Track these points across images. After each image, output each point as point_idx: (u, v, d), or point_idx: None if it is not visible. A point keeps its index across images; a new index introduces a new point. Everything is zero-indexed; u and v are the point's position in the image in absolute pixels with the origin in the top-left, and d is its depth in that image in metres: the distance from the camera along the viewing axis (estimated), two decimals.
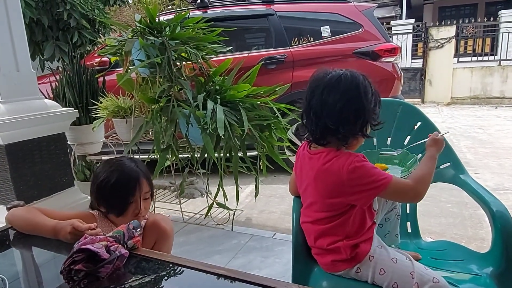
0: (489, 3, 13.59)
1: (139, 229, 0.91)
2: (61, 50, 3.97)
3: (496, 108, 7.48)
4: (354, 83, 0.99)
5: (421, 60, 8.45)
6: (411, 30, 9.01)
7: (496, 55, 8.76)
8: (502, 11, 9.38)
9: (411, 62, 8.81)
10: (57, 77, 2.63)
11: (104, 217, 1.18)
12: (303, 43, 3.51)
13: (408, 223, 1.37)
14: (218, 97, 2.03)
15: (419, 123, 1.43)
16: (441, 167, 1.33)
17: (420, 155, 1.37)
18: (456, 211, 2.79)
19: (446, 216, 2.72)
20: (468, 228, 2.56)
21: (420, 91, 8.43)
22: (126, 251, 0.81)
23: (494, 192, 3.30)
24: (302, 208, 1.10)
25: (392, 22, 9.93)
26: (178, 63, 2.06)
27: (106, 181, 1.13)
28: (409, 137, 1.42)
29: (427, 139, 1.14)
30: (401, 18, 11.80)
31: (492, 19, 8.96)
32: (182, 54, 2.11)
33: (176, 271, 0.83)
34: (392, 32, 9.03)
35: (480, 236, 2.45)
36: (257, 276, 0.79)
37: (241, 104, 2.02)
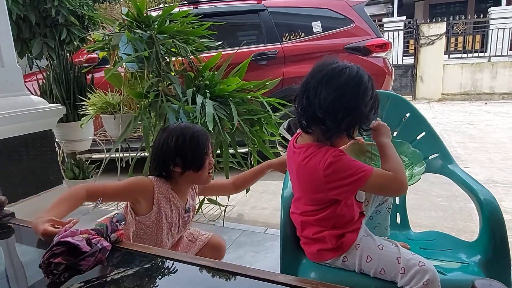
0: (478, 0, 13.73)
1: (123, 222, 0.89)
2: (49, 47, 3.91)
3: (485, 103, 7.56)
4: (355, 80, 0.94)
5: (412, 57, 8.51)
6: (402, 27, 9.06)
7: (486, 51, 8.85)
8: (492, 8, 9.48)
9: (402, 59, 8.87)
10: (45, 74, 2.58)
11: (164, 181, 1.17)
12: (294, 39, 3.50)
13: (398, 215, 1.37)
14: (207, 91, 2.02)
15: (408, 115, 1.43)
16: (429, 157, 1.33)
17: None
18: (446, 204, 2.81)
19: (436, 210, 2.73)
20: (458, 221, 2.58)
21: (411, 88, 8.49)
22: (109, 244, 0.79)
23: (484, 185, 3.32)
24: (292, 199, 1.10)
25: (383, 19, 9.97)
26: (166, 58, 2.03)
27: (182, 138, 1.14)
28: (398, 128, 1.42)
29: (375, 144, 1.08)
30: (392, 15, 11.87)
31: (482, 16, 9.04)
32: (172, 49, 2.09)
33: (159, 264, 0.81)
34: (384, 29, 9.07)
35: (470, 229, 2.46)
36: (243, 267, 0.77)
37: (230, 98, 2.00)
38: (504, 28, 8.49)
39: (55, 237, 0.76)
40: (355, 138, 1.18)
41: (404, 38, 9.07)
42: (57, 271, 0.72)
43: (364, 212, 1.05)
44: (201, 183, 1.23)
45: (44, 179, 2.29)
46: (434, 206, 2.78)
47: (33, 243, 1.01)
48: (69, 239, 0.73)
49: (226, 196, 2.18)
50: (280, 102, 2.17)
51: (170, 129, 1.20)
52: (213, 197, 2.23)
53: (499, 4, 11.32)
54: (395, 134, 1.43)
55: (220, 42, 2.39)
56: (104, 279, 0.74)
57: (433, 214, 2.66)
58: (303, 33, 3.49)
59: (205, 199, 2.24)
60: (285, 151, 3.79)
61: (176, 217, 1.19)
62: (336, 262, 1.00)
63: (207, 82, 2.13)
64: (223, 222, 2.28)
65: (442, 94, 8.24)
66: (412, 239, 1.26)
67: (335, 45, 3.45)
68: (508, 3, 11.44)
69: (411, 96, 8.44)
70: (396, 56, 8.68)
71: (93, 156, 3.28)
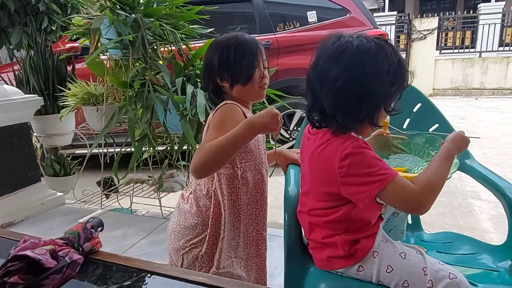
0: None
1: (99, 228, 0.75)
2: (29, 36, 3.68)
3: (476, 99, 7.57)
4: (359, 55, 0.79)
5: (404, 52, 8.46)
6: (394, 22, 9.01)
7: (475, 47, 8.88)
8: (482, 4, 9.52)
9: None
10: (21, 64, 2.39)
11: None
12: (288, 29, 3.36)
13: (409, 214, 1.25)
14: (199, 81, 1.87)
15: (419, 105, 1.31)
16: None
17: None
18: (445, 200, 2.74)
19: (435, 206, 2.62)
20: (458, 218, 2.51)
21: None
22: (80, 256, 0.65)
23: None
24: (300, 195, 0.96)
25: (375, 14, 9.91)
26: (153, 44, 1.87)
27: (228, 48, 1.05)
28: (408, 119, 1.30)
29: (447, 134, 0.93)
30: (384, 10, 11.84)
31: (471, 12, 9.06)
32: (162, 37, 1.93)
33: (144, 279, 0.67)
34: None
35: (470, 225, 2.39)
36: (242, 283, 0.64)
37: None
38: (494, 24, 8.51)
39: (12, 249, 0.61)
40: (380, 129, 1.05)
41: (396, 32, 9.02)
42: None
43: (382, 215, 0.91)
44: (253, 98, 1.12)
45: (21, 176, 2.11)
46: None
47: None
48: (27, 252, 0.58)
49: None
50: (276, 93, 2.03)
51: (215, 42, 1.11)
52: None
53: (488, 0, 11.38)
54: (405, 125, 1.31)
55: (212, 29, 2.23)
56: None
57: (432, 211, 2.55)
58: (297, 23, 3.35)
59: None
60: (279, 146, 3.66)
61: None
62: (349, 272, 0.87)
63: (198, 72, 1.98)
64: None
65: (433, 89, 8.22)
66: (427, 241, 1.15)
67: None
68: None
69: None
70: None
71: (76, 152, 3.10)
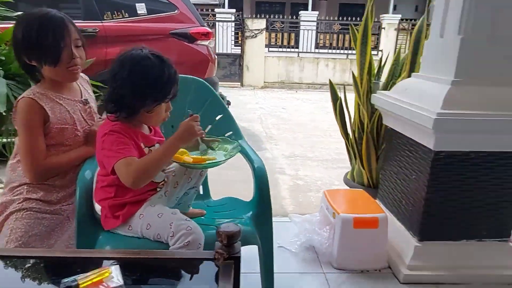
0: (293, 3, 16.10)
1: None
2: None
3: (296, 92, 9.06)
4: (132, 64, 1.05)
5: (239, 48, 9.32)
6: (232, 19, 9.76)
7: (298, 48, 10.54)
8: (302, 12, 11.30)
9: (231, 49, 9.59)
10: None
11: (41, 88, 1.10)
12: (117, 18, 3.34)
13: (201, 187, 1.57)
14: (1, 68, 1.75)
15: (210, 99, 1.63)
16: (225, 135, 1.54)
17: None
18: None
19: (251, 181, 3.18)
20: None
21: (239, 76, 9.33)
22: None
23: (288, 158, 4.00)
24: None
25: (216, 10, 10.49)
26: None
27: (31, 25, 1.03)
28: (201, 111, 1.60)
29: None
30: (223, 6, 12.60)
31: (295, 17, 10.68)
32: None
33: None
34: (217, 19, 9.57)
35: (273, 195, 2.97)
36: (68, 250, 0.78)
37: None
38: (309, 30, 10.28)
39: None
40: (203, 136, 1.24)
41: (235, 29, 9.81)
42: None
43: (166, 193, 1.17)
44: (65, 79, 1.13)
45: None
46: (249, 178, 3.22)
47: None
48: None
49: None
50: (94, 84, 2.07)
51: (20, 17, 1.09)
52: None
53: (307, 9, 13.58)
54: (200, 113, 1.61)
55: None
56: None
57: (248, 186, 3.10)
58: (126, 14, 3.36)
59: None
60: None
61: (77, 114, 1.16)
62: (122, 230, 1.11)
63: (3, 58, 1.84)
64: None
65: (264, 82, 9.39)
66: (211, 205, 1.48)
67: (161, 29, 3.48)
68: (313, 9, 13.87)
69: (239, 83, 9.29)
70: (226, 45, 9.34)
71: None
